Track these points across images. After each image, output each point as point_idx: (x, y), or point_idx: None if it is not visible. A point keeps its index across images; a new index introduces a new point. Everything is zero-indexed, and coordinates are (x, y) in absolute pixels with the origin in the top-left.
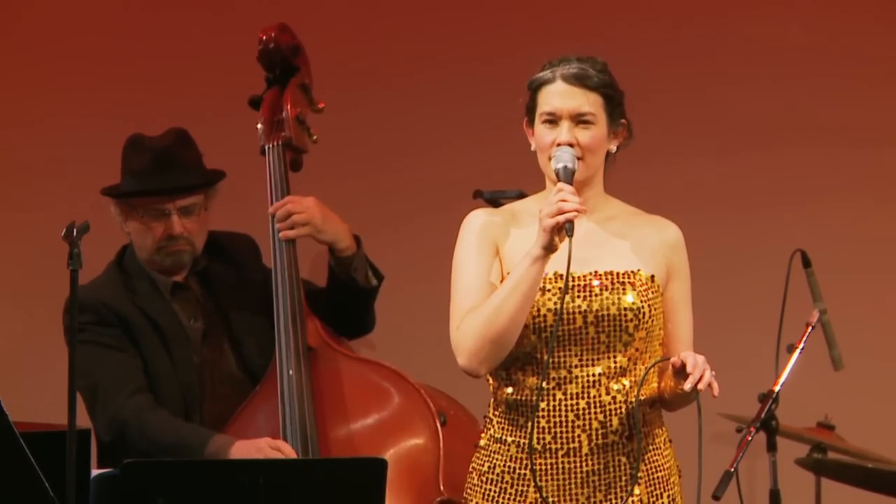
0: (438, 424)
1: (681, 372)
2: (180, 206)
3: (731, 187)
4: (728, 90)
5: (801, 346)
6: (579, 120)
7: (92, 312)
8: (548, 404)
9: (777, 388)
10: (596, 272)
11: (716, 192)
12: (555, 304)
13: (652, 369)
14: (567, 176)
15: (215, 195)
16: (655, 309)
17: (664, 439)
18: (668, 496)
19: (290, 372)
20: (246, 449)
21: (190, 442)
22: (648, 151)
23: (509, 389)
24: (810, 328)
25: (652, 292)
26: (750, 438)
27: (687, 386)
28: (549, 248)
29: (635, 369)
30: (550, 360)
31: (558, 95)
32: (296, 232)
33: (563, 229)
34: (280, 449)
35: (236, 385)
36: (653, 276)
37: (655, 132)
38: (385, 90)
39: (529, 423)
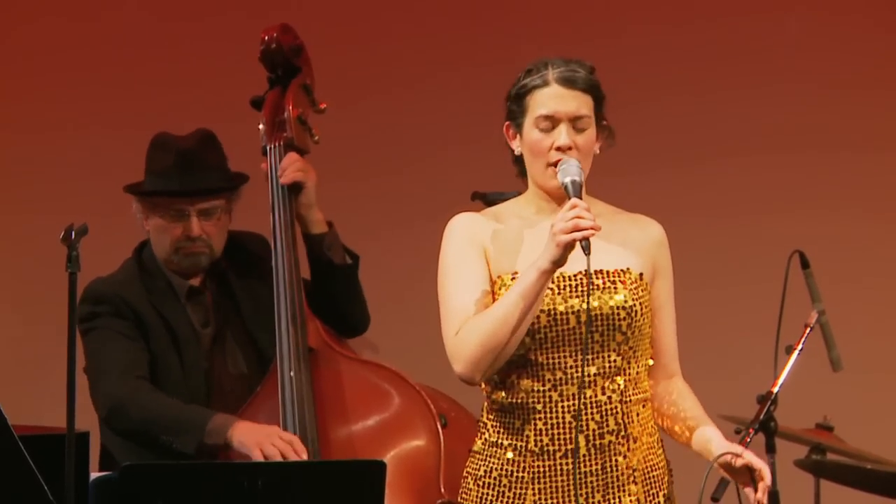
0: (439, 426)
1: (740, 470)
2: (200, 209)
3: (729, 189)
4: (726, 94)
5: (800, 347)
6: (576, 123)
7: (109, 304)
8: (544, 406)
9: (776, 390)
10: (586, 271)
11: (714, 194)
12: (548, 304)
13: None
14: (576, 190)
15: (238, 199)
16: (645, 307)
17: (657, 439)
18: (664, 495)
19: (291, 373)
20: (251, 431)
21: (191, 417)
22: (647, 154)
23: (503, 393)
24: (809, 329)
25: (641, 290)
26: (749, 440)
27: (759, 496)
28: (559, 263)
29: (629, 368)
30: (584, 370)
31: (555, 99)
32: (300, 174)
33: (577, 245)
34: (291, 443)
35: (244, 390)
36: (641, 275)
37: (654, 136)
38: (387, 90)
39: (529, 426)
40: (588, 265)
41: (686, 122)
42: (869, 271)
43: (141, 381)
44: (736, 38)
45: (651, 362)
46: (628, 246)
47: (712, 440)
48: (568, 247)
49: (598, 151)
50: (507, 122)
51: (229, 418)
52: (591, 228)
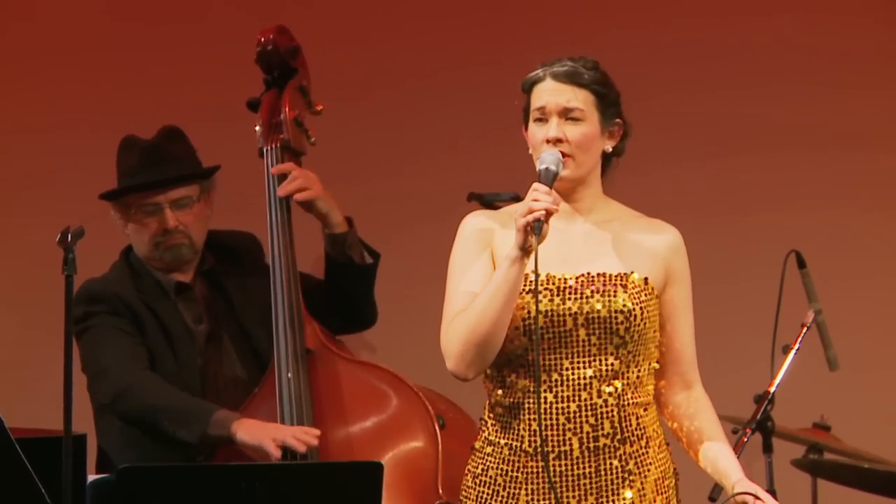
0: (437, 427)
1: None
2: (172, 199)
3: (726, 189)
4: (723, 93)
5: (797, 346)
6: (568, 116)
7: (105, 303)
8: (539, 407)
9: (773, 389)
10: (588, 273)
11: (711, 194)
12: (545, 306)
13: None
14: (547, 178)
15: (212, 188)
16: (648, 312)
17: (659, 442)
18: (664, 498)
19: (289, 374)
20: (259, 426)
21: (196, 408)
22: (644, 155)
23: (500, 391)
24: (805, 329)
25: (645, 295)
26: (746, 439)
27: None
28: (525, 249)
29: (628, 372)
30: (539, 362)
31: (548, 92)
32: (303, 195)
33: (533, 229)
34: (307, 432)
35: (240, 388)
36: (646, 279)
37: (651, 136)
38: (384, 92)
39: (524, 426)
40: (535, 249)
41: (682, 121)
42: (865, 271)
43: (145, 369)
44: (732, 38)
45: (657, 366)
46: (638, 250)
47: (734, 480)
48: (527, 230)
49: (608, 150)
50: (523, 124)
51: (233, 413)
52: (544, 210)
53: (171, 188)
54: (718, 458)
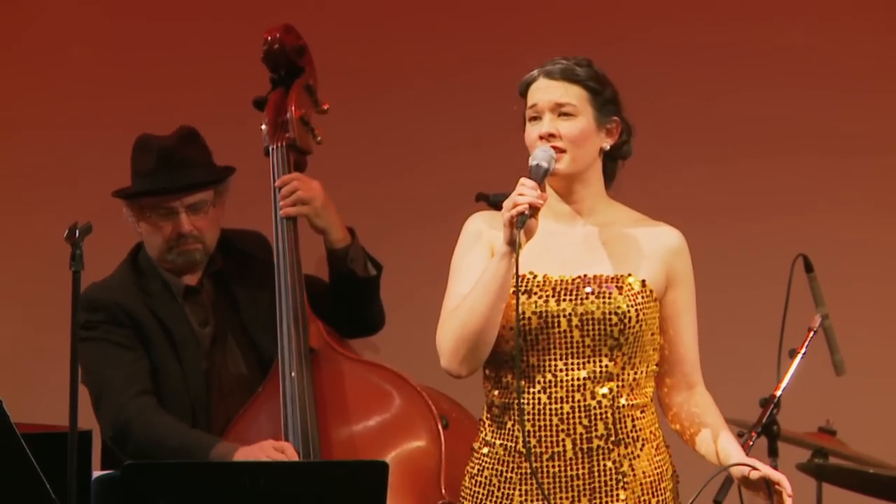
0: (440, 427)
1: (757, 483)
2: (188, 204)
3: (733, 193)
4: (730, 97)
5: (803, 350)
6: (560, 111)
7: (105, 312)
8: (533, 408)
9: (779, 393)
10: (585, 275)
11: (718, 197)
12: (540, 307)
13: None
14: (537, 174)
15: (226, 192)
16: (645, 314)
17: (657, 444)
18: (659, 501)
19: (293, 373)
20: (250, 453)
21: (194, 446)
22: (651, 158)
23: (496, 392)
24: (812, 333)
25: (642, 297)
26: (751, 443)
27: None
28: (512, 243)
29: (623, 374)
30: (519, 360)
31: (540, 90)
32: (296, 209)
33: (517, 223)
34: (284, 450)
35: (245, 389)
36: (644, 281)
37: (658, 139)
38: (390, 92)
39: (515, 427)
40: (518, 243)
41: (690, 125)
42: (873, 275)
43: (144, 398)
44: (742, 42)
45: (656, 368)
46: (638, 252)
47: (732, 455)
48: (512, 224)
49: (605, 147)
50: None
51: (231, 447)
52: (527, 204)
53: (186, 194)
54: (716, 439)
